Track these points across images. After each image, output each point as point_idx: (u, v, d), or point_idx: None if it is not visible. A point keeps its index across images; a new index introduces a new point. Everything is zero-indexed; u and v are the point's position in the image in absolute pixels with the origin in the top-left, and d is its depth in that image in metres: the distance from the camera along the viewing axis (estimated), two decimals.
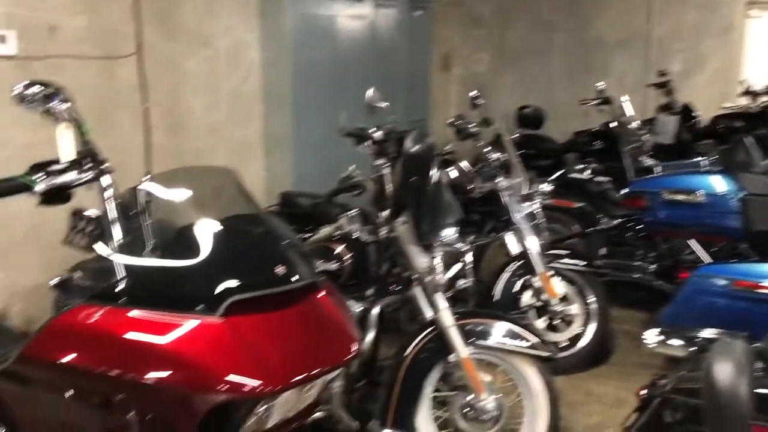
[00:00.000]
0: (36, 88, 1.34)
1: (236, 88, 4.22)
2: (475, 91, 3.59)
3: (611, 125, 4.81)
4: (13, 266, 3.26)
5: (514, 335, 2.46)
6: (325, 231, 2.67)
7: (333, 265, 2.65)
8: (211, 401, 1.20)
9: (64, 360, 1.24)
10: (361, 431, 2.61)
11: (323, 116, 4.31)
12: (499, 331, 2.48)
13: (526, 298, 3.35)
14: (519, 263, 3.34)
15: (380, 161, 2.69)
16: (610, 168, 4.62)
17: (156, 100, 3.72)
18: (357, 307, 2.59)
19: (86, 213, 1.46)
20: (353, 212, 2.61)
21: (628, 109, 4.68)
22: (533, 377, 2.47)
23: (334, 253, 2.69)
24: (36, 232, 3.32)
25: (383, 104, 2.81)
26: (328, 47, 4.60)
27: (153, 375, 1.18)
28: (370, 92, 2.80)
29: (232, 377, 1.20)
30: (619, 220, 4.05)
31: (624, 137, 4.64)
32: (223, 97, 4.14)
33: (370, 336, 2.55)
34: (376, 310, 2.58)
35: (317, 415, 2.50)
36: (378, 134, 2.70)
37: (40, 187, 1.33)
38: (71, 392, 1.27)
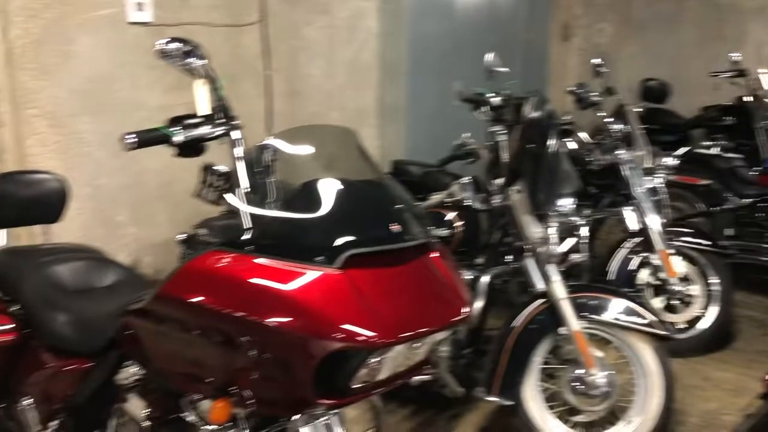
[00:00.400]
0: (176, 45, 1.44)
1: (353, 56, 4.27)
2: (598, 59, 3.45)
3: (745, 100, 4.48)
4: (145, 221, 3.50)
5: (629, 312, 2.38)
6: (436, 197, 2.68)
7: (443, 232, 2.66)
8: (327, 348, 1.24)
9: (194, 300, 1.32)
10: (466, 397, 2.64)
11: (437, 86, 4.30)
12: (613, 307, 2.41)
13: (643, 276, 3.23)
14: (637, 240, 3.21)
15: (496, 128, 2.65)
16: (741, 146, 4.33)
17: (277, 67, 3.84)
18: (466, 275, 2.59)
19: (216, 168, 1.53)
20: (466, 179, 2.60)
21: (766, 83, 4.34)
22: (648, 356, 2.38)
23: (445, 219, 2.70)
24: (165, 190, 3.54)
25: (502, 69, 2.76)
26: (444, 17, 4.56)
27: (274, 318, 1.24)
28: (489, 56, 2.76)
29: (348, 326, 1.23)
30: (750, 199, 3.79)
31: (759, 113, 4.32)
32: (340, 65, 4.20)
33: (479, 304, 2.55)
34: (485, 279, 2.57)
35: (424, 377, 2.57)
36: (496, 100, 2.66)
37: (177, 138, 1.41)
38: (198, 330, 1.35)
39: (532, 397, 2.44)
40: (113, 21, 3.22)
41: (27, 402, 1.97)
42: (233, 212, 1.53)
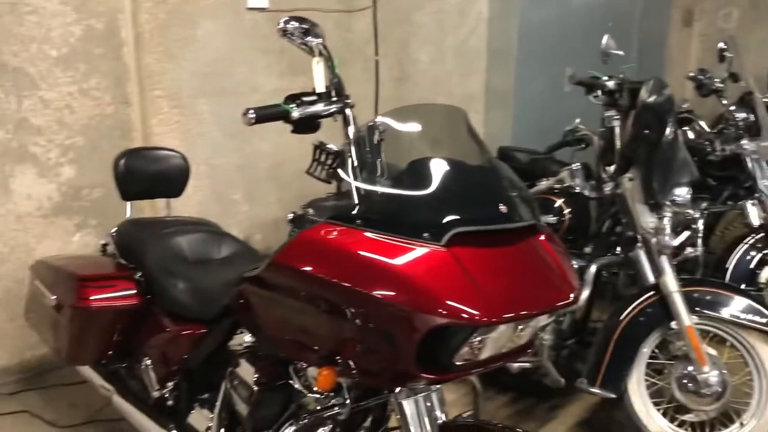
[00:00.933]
0: (295, 24, 1.49)
1: (462, 41, 4.24)
2: (722, 43, 3.26)
3: None
4: (257, 200, 3.65)
5: (749, 309, 2.25)
6: (545, 184, 2.62)
7: (551, 219, 2.60)
8: (430, 323, 1.25)
9: (305, 269, 1.37)
10: (567, 388, 2.59)
11: (547, 73, 4.19)
12: (731, 304, 2.28)
13: (766, 274, 3.03)
14: (759, 236, 3.02)
15: (610, 113, 2.56)
16: None
17: (386, 52, 3.88)
18: (573, 263, 2.53)
19: (327, 146, 1.58)
20: (576, 166, 2.53)
21: None
22: None
23: (554, 206, 2.64)
24: (276, 172, 3.68)
25: (618, 52, 2.66)
26: (556, 1, 4.44)
27: (380, 291, 1.26)
28: (605, 39, 2.66)
29: (452, 303, 1.23)
30: None
31: None
32: (448, 51, 4.19)
33: (585, 294, 2.49)
34: (593, 269, 2.50)
35: (525, 364, 2.55)
36: (610, 83, 2.57)
37: (295, 114, 1.47)
38: (307, 299, 1.40)
39: (637, 391, 2.36)
40: (233, 6, 3.37)
41: (147, 363, 2.11)
42: (339, 193, 1.58)
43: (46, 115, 2.92)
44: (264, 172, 3.66)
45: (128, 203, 2.44)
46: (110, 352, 2.22)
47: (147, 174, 2.42)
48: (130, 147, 2.74)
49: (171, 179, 2.47)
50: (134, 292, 2.12)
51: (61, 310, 2.18)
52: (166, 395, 2.09)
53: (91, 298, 2.09)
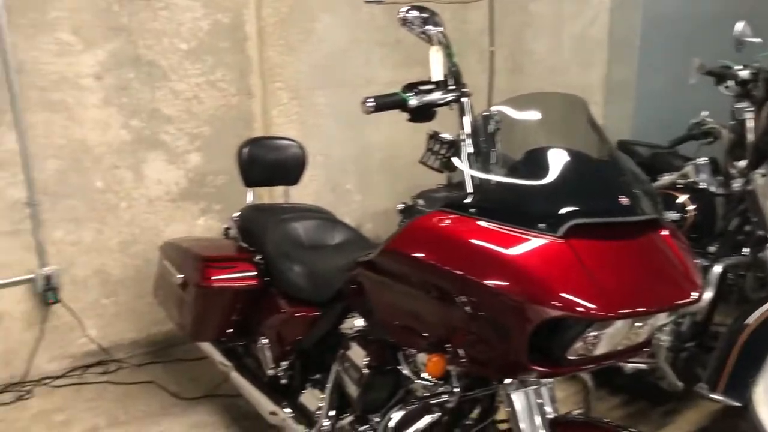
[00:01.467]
0: (415, 12, 1.51)
1: (581, 31, 4.12)
2: None
3: None
4: (369, 191, 3.72)
5: None
6: (667, 178, 2.51)
7: (674, 215, 2.48)
8: (544, 315, 1.23)
9: (418, 255, 1.39)
10: (685, 392, 2.47)
11: (671, 64, 3.98)
12: None
13: None
14: None
15: (742, 104, 2.40)
16: None
17: (500, 43, 3.84)
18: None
19: (441, 135, 1.58)
20: (702, 160, 2.40)
21: None
22: None
23: (676, 202, 2.52)
24: (388, 163, 3.74)
25: (754, 40, 2.49)
26: None
27: (493, 280, 1.26)
28: (739, 25, 2.50)
29: (568, 295, 1.21)
30: None
31: None
32: (566, 41, 4.08)
33: (708, 295, 2.36)
34: (717, 269, 2.37)
35: (641, 365, 2.45)
36: (744, 73, 2.40)
37: (412, 102, 1.48)
38: (419, 285, 1.42)
39: (764, 401, 2.21)
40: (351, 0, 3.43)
41: (264, 342, 2.21)
42: (450, 184, 1.58)
43: (176, 105, 3.11)
44: (376, 163, 3.72)
45: (249, 190, 2.55)
46: (230, 330, 2.34)
47: (268, 162, 2.53)
48: (251, 136, 2.86)
49: (290, 168, 2.57)
50: (254, 273, 2.22)
51: (186, 288, 2.32)
52: (280, 374, 2.18)
53: (214, 278, 2.21)
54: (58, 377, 2.99)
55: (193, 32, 3.09)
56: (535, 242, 1.26)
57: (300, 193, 2.79)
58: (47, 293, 2.93)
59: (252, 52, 3.24)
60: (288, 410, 2.11)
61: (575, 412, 1.63)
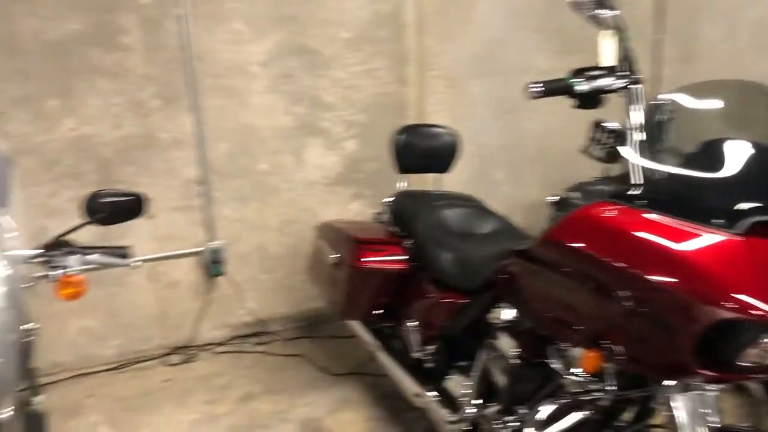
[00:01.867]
0: None
1: (762, 15, 3.78)
2: None
3: None
4: (519, 181, 3.66)
5: None
6: None
7: None
8: (714, 317, 1.16)
9: (578, 246, 1.35)
10: None
11: None
12: None
13: None
14: None
15: None
16: None
17: (669, 30, 3.61)
18: None
19: (606, 125, 1.52)
20: None
21: None
22: None
23: None
24: (540, 154, 3.64)
25: None
26: None
27: (659, 276, 1.20)
28: None
29: (744, 297, 1.13)
30: None
31: None
32: (744, 26, 3.76)
33: None
34: None
35: None
36: None
37: (579, 88, 1.44)
38: (577, 277, 1.38)
39: None
40: None
41: (411, 325, 2.25)
42: (608, 177, 1.51)
43: (335, 93, 3.22)
44: (528, 153, 3.64)
45: (402, 176, 2.60)
46: (378, 311, 2.40)
47: (421, 149, 2.56)
48: (404, 124, 2.90)
49: (442, 155, 2.58)
50: (404, 258, 2.27)
51: (339, 267, 2.41)
52: (425, 357, 2.21)
53: (366, 259, 2.28)
54: (220, 344, 3.23)
55: (354, 22, 3.18)
56: (709, 238, 1.19)
57: (448, 182, 2.79)
58: (214, 265, 3.16)
59: (409, 41, 3.29)
60: (433, 393, 2.13)
61: (744, 426, 1.52)
